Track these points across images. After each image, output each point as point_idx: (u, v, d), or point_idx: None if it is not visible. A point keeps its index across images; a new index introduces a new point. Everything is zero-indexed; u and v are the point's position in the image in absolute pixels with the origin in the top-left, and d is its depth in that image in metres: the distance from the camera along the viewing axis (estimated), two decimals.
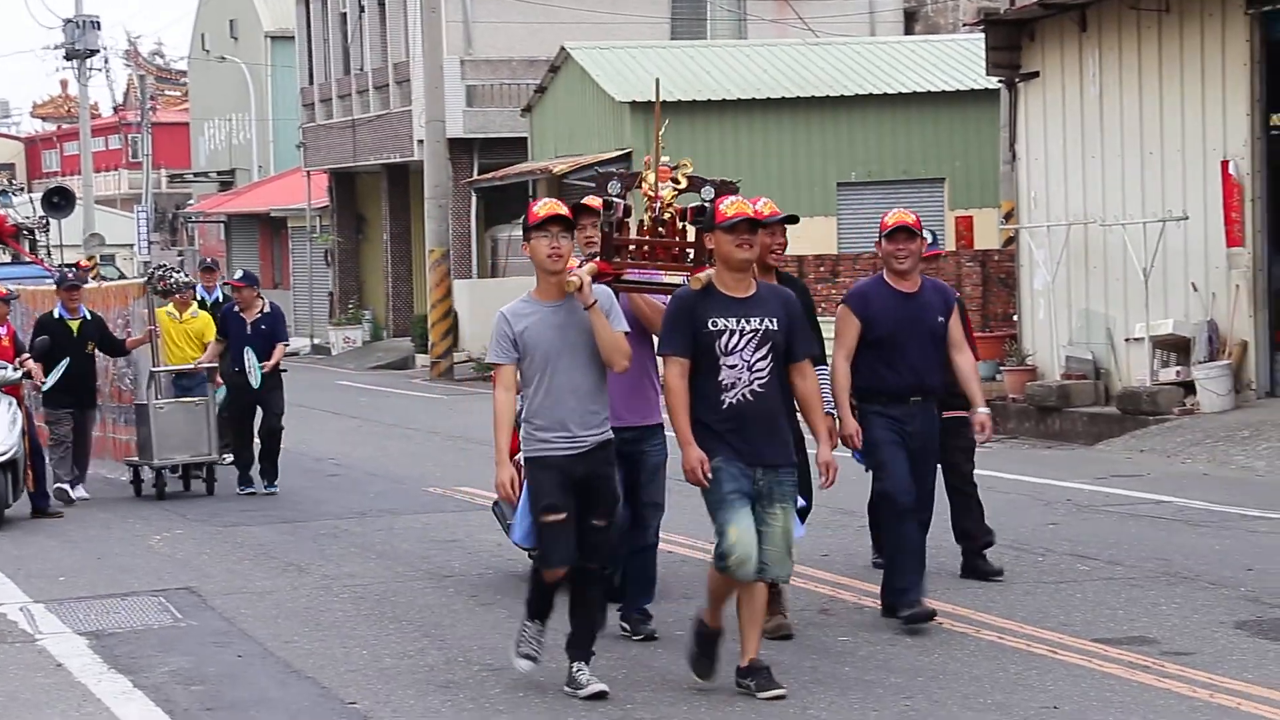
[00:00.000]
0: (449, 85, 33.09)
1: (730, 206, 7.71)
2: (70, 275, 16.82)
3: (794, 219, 9.07)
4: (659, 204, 8.66)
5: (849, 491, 10.73)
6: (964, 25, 31.00)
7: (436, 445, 20.06)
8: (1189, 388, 18.00)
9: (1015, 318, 21.87)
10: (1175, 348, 18.45)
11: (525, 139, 32.81)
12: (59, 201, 26.54)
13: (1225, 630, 8.91)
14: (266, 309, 15.84)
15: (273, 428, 15.60)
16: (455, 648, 9.12)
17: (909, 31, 36.19)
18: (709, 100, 27.99)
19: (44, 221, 23.21)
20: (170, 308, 16.87)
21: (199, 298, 17.76)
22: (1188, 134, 18.67)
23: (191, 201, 58.71)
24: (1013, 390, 20.20)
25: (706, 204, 8.41)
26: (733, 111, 28.03)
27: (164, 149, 60.13)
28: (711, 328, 7.67)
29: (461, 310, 32.42)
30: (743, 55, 30.18)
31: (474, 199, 35.34)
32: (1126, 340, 19.31)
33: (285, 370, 15.95)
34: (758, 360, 7.67)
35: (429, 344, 32.19)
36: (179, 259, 49.33)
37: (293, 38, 45.68)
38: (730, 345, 7.67)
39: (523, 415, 7.85)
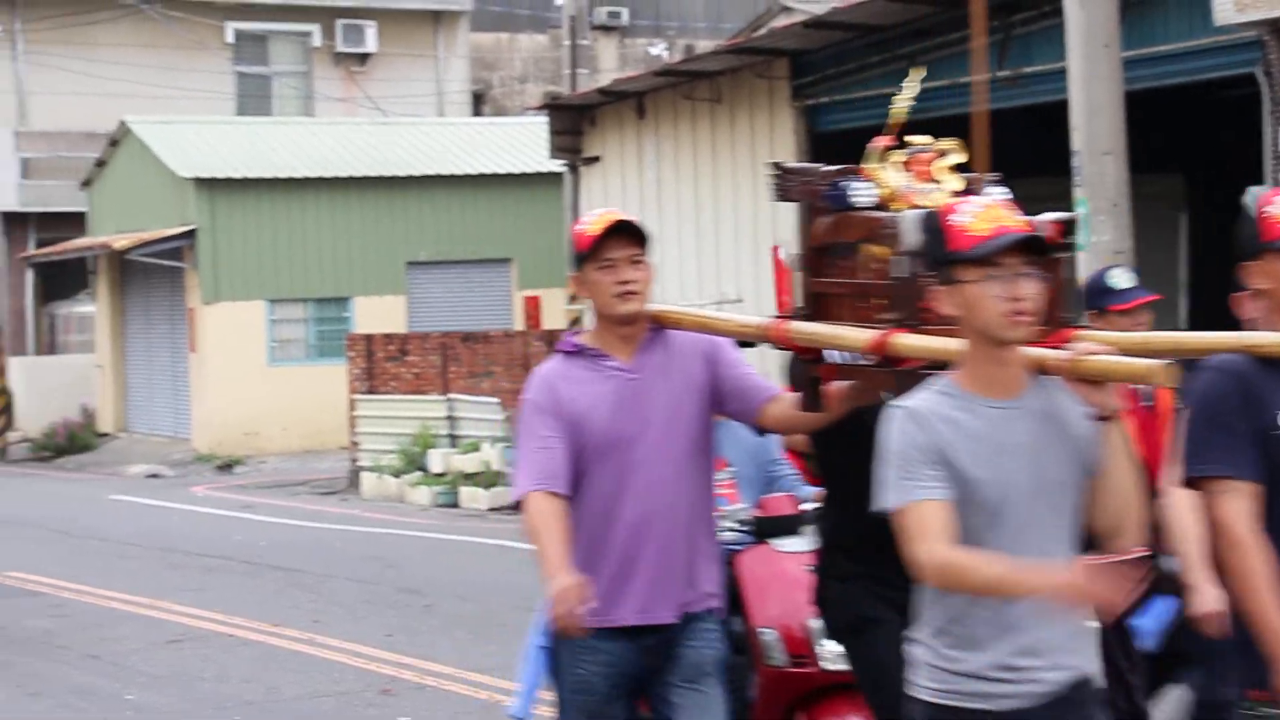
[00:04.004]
0: (2, 157, 32.04)
1: None
2: None
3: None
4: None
5: (415, 571, 10.66)
6: (528, 109, 31.61)
7: None
8: None
9: None
10: None
11: (86, 213, 31.92)
12: None
13: None
14: None
15: None
16: None
17: (477, 113, 36.68)
18: (275, 178, 27.80)
19: None
20: None
21: None
22: (740, 219, 19.49)
23: None
24: None
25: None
26: (300, 189, 27.88)
27: None
28: None
29: (17, 389, 31.26)
30: (309, 134, 30.10)
31: (30, 274, 34.15)
32: None
33: None
34: None
35: None
36: None
37: None
38: None
39: (934, 631, 3.89)
